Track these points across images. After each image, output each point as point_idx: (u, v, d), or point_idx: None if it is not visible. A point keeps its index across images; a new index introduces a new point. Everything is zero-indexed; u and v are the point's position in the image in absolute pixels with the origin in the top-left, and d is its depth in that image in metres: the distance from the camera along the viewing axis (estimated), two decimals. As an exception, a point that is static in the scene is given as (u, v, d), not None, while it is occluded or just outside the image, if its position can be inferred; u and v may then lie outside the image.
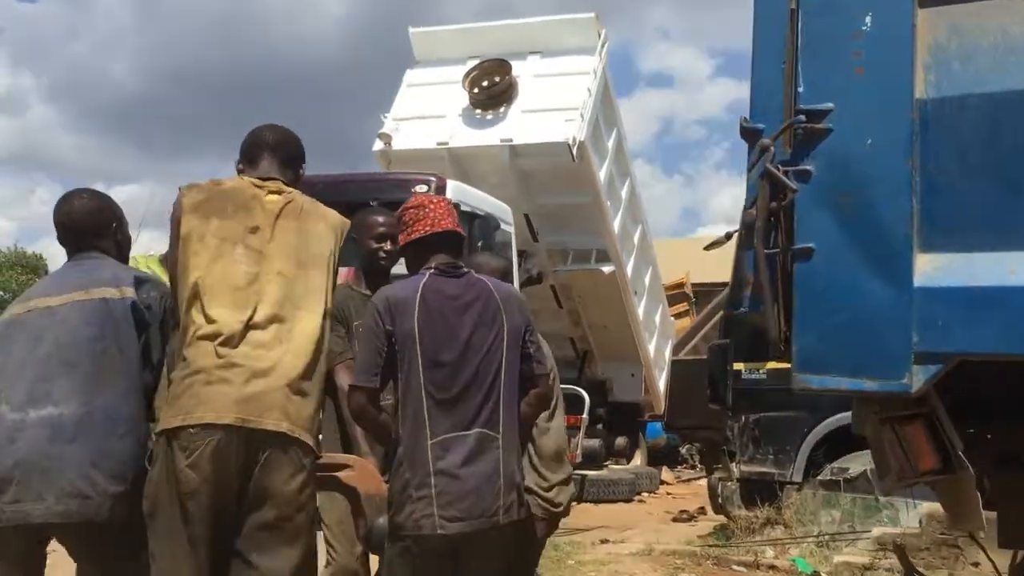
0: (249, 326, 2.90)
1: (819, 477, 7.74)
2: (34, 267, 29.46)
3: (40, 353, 3.02)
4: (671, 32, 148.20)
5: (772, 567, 6.59)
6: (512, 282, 4.01)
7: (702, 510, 10.92)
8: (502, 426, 3.11)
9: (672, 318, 15.73)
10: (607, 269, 12.10)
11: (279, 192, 3.13)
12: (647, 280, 13.80)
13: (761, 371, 8.24)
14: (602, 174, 11.72)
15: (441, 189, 8.44)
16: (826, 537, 7.03)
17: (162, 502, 2.83)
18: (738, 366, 8.34)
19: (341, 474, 3.21)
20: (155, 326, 3.17)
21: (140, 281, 3.20)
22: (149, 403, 3.12)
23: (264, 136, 3.27)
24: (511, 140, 10.94)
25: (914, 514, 7.38)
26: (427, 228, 3.23)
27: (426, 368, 3.06)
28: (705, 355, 15.54)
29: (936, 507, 6.03)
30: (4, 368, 3.05)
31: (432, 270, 3.19)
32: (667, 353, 14.40)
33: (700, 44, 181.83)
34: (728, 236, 10.85)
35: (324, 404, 3.18)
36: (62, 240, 3.35)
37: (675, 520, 10.43)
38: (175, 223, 3.03)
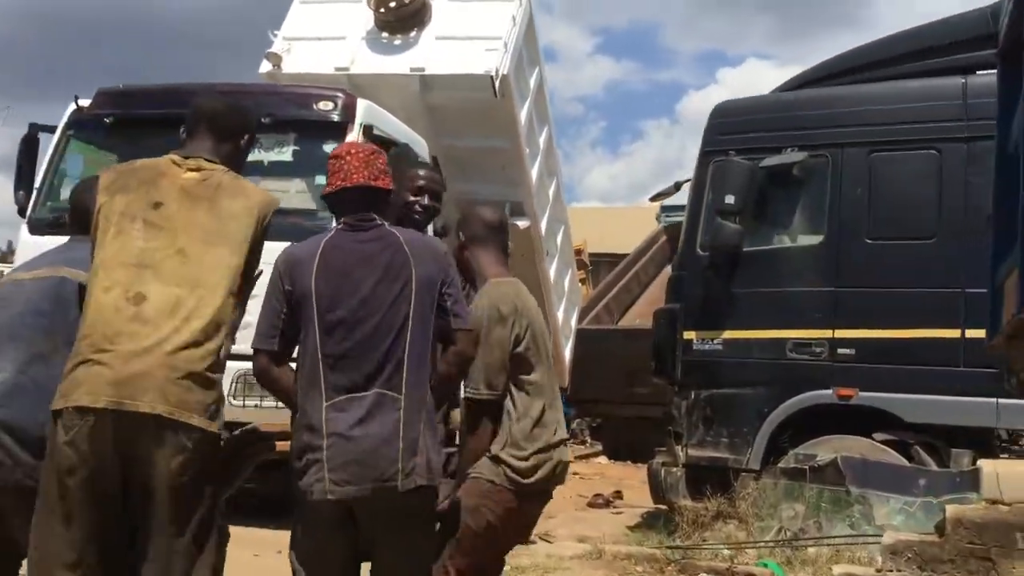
0: (135, 302, 2.84)
1: (780, 465, 6.70)
2: None
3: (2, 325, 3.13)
4: (553, 6, 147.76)
5: (750, 575, 5.49)
6: (505, 242, 3.62)
7: (618, 494, 9.88)
8: (406, 386, 2.93)
9: (579, 284, 14.63)
10: (522, 224, 10.83)
11: (198, 169, 3.05)
12: (559, 240, 12.59)
13: (716, 341, 7.16)
14: (523, 116, 10.43)
15: (349, 108, 7.01)
16: (805, 540, 5.99)
17: (46, 478, 2.82)
18: (689, 335, 7.25)
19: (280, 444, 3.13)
20: None
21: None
22: None
23: (202, 108, 3.22)
24: (423, 69, 9.53)
25: (886, 511, 6.43)
26: (339, 182, 3.09)
27: (321, 327, 2.95)
28: (606, 324, 14.86)
29: (963, 510, 5.05)
30: None
31: (340, 225, 3.10)
32: (572, 322, 13.32)
33: (581, 21, 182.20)
34: (677, 186, 9.42)
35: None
36: (69, 223, 3.50)
37: (591, 505, 9.32)
38: (91, 205, 3.05)
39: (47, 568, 2.80)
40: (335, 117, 6.88)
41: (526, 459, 3.36)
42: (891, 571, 4.97)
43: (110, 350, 2.77)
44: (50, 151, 7.45)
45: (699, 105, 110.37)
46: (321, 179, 7.11)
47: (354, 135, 6.89)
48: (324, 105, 6.88)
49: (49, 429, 2.80)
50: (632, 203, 41.15)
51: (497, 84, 9.37)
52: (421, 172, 3.85)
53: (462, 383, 3.36)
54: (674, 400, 7.32)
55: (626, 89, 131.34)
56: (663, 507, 7.61)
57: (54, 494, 2.77)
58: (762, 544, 6.07)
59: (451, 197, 10.40)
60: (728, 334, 7.11)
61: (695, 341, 7.22)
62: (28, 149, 7.42)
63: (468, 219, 3.61)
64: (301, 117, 6.87)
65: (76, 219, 3.37)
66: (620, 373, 12.23)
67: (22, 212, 7.33)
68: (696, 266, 7.32)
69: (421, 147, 8.10)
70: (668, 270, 15.39)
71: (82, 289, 3.02)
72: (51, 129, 7.47)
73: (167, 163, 3.05)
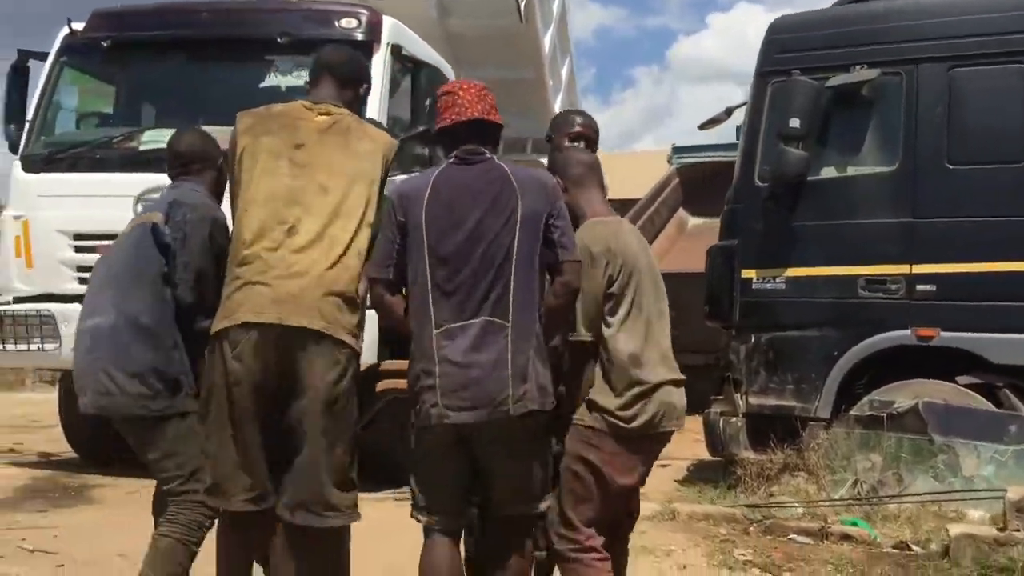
0: (289, 233, 3.09)
1: (854, 412, 6.14)
2: None
3: (102, 271, 3.59)
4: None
5: (846, 537, 4.95)
6: (601, 180, 3.54)
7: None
8: (513, 314, 3.02)
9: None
10: (545, 160, 10.18)
11: (328, 113, 3.27)
12: (580, 180, 11.95)
13: (778, 279, 6.55)
14: (546, 43, 9.75)
15: (374, 26, 6.33)
16: (910, 495, 5.45)
17: (214, 391, 3.10)
18: (748, 273, 6.63)
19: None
20: (178, 246, 3.39)
21: (177, 204, 3.46)
22: (178, 316, 3.39)
23: (324, 58, 3.47)
24: (441, -8, 8.82)
25: (974, 461, 5.89)
26: (454, 116, 3.17)
27: (431, 257, 3.06)
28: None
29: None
30: (89, 285, 3.70)
31: (451, 159, 3.18)
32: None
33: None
34: (728, 112, 8.53)
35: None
36: (169, 166, 3.73)
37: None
38: (232, 147, 3.25)
39: (224, 472, 3.11)
40: (359, 35, 6.20)
41: (623, 403, 3.25)
42: (1018, 530, 4.42)
43: (268, 273, 3.03)
44: (42, 81, 6.73)
45: (689, 51, 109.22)
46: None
47: (380, 56, 6.21)
48: (347, 22, 6.18)
49: (212, 349, 3.10)
50: (625, 150, 40.56)
51: (522, 7, 8.69)
52: (578, 118, 3.76)
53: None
54: (731, 344, 6.73)
55: (615, 35, 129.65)
56: (715, 459, 7.05)
57: (223, 405, 3.06)
58: (881, 500, 5.49)
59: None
60: (792, 271, 6.49)
61: (755, 280, 6.60)
62: (17, 79, 6.70)
63: (564, 162, 3.53)
64: (321, 36, 6.18)
65: (180, 162, 3.66)
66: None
67: (13, 149, 6.65)
68: (754, 198, 6.68)
69: (448, 72, 7.43)
70: (682, 212, 15.04)
71: (157, 230, 3.41)
72: (42, 56, 6.74)
73: (300, 108, 3.28)
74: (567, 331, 3.23)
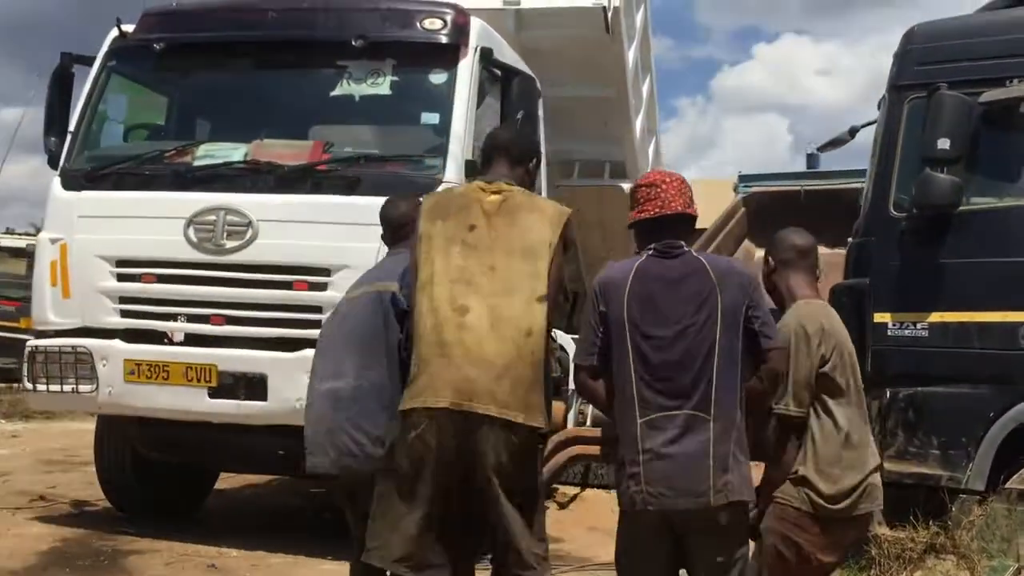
0: (462, 314, 3.26)
1: (1014, 484, 5.21)
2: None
3: (339, 337, 3.76)
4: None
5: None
6: (817, 263, 3.71)
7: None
8: (715, 407, 3.15)
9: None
10: (626, 186, 9.35)
11: (499, 192, 3.46)
12: (658, 208, 11.10)
13: (919, 325, 5.63)
14: (630, 59, 8.96)
15: (461, 27, 5.56)
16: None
17: (398, 464, 3.34)
18: (882, 317, 5.71)
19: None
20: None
21: (407, 273, 3.55)
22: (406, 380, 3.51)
23: (496, 140, 3.70)
24: (518, 3, 8.05)
25: None
26: (657, 209, 3.32)
27: (635, 348, 3.20)
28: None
29: None
30: (321, 346, 3.90)
31: (650, 251, 3.32)
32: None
33: None
34: (852, 132, 7.85)
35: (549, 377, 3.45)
36: (382, 236, 4.13)
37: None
38: (414, 227, 3.50)
39: (390, 530, 3.33)
40: (444, 38, 5.46)
41: (833, 483, 3.40)
42: None
43: (445, 356, 3.23)
44: (87, 87, 6.03)
45: (733, 81, 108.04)
46: (428, 115, 5.81)
47: (468, 62, 5.45)
48: (430, 23, 5.44)
49: (399, 425, 3.33)
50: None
51: (610, 16, 7.91)
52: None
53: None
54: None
55: (661, 67, 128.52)
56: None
57: (403, 477, 3.29)
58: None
59: (543, 156, 9.12)
60: (936, 316, 5.58)
61: (890, 325, 5.68)
62: (60, 85, 5.98)
63: (778, 243, 3.72)
64: (402, 38, 5.44)
65: (394, 230, 3.97)
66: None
67: (53, 163, 5.94)
68: (890, 231, 5.78)
69: (535, 83, 6.67)
70: (748, 244, 14.13)
71: (396, 300, 3.59)
72: (89, 60, 6.03)
73: (475, 189, 3.51)
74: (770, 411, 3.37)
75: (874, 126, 6.30)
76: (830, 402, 3.40)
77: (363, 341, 3.62)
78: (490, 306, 3.24)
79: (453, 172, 5.22)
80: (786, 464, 3.39)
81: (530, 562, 3.27)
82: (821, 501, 3.34)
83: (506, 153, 3.56)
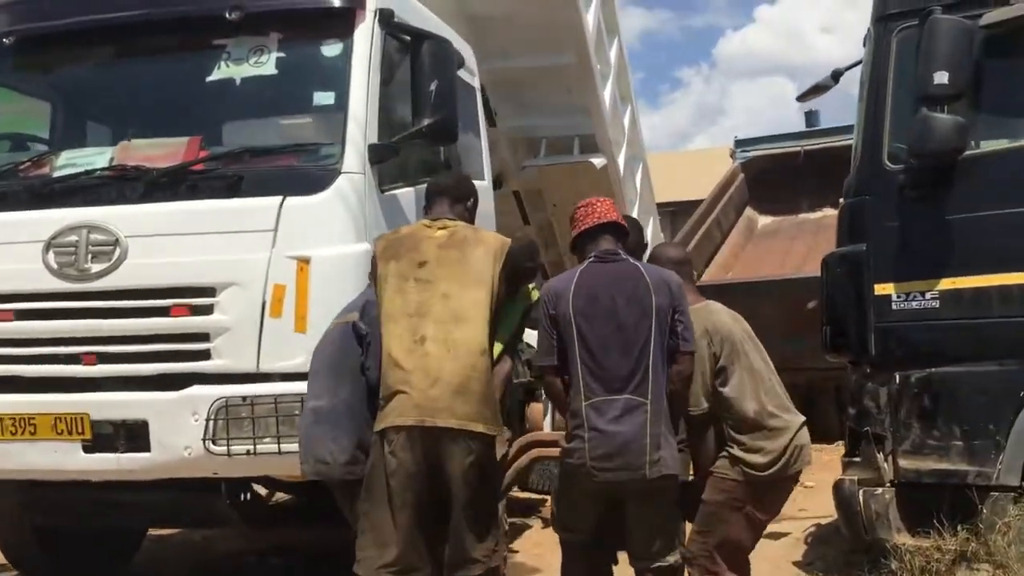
0: (421, 343, 3.80)
1: (1054, 478, 4.35)
2: None
3: (321, 362, 4.12)
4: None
5: None
6: (690, 272, 4.42)
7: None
8: (651, 394, 3.72)
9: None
10: (597, 162, 8.55)
11: (444, 227, 4.02)
12: (638, 182, 10.25)
13: (929, 295, 4.78)
14: (589, 21, 8.08)
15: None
16: None
17: (375, 479, 3.81)
18: (884, 288, 4.87)
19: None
20: (371, 339, 4.01)
21: (371, 304, 4.07)
22: (370, 394, 3.99)
23: (437, 185, 4.26)
24: (460, -35, 7.19)
25: None
26: (595, 220, 3.95)
27: (581, 341, 3.76)
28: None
29: None
30: (310, 371, 4.17)
31: (591, 258, 3.91)
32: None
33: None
34: (836, 76, 6.60)
35: (503, 392, 4.10)
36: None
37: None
38: (372, 267, 4.08)
39: (374, 541, 3.80)
40: (335, 1, 4.59)
41: (762, 455, 3.98)
42: None
43: (409, 382, 3.75)
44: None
45: (736, 46, 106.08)
46: (321, 96, 4.95)
47: (365, 27, 4.57)
48: (331, -6, 4.55)
49: (375, 444, 3.85)
50: (679, 150, 38.57)
51: (556, -27, 7.03)
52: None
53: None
54: (866, 387, 4.95)
55: (661, 38, 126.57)
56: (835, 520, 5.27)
57: (381, 490, 3.79)
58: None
59: (503, 134, 8.25)
60: (948, 283, 4.72)
61: (894, 297, 4.84)
62: None
63: (655, 259, 4.27)
64: (285, 6, 4.59)
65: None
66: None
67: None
68: (886, 187, 4.90)
69: (465, 50, 5.82)
70: (750, 212, 13.23)
71: (356, 328, 4.05)
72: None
73: (421, 228, 4.08)
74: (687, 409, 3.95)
75: (860, 67, 5.41)
76: (730, 389, 3.99)
77: (334, 366, 4.02)
78: (445, 332, 3.79)
79: (354, 161, 4.38)
80: (706, 455, 4.04)
81: (475, 557, 3.77)
82: (754, 472, 3.97)
83: (447, 195, 4.12)
